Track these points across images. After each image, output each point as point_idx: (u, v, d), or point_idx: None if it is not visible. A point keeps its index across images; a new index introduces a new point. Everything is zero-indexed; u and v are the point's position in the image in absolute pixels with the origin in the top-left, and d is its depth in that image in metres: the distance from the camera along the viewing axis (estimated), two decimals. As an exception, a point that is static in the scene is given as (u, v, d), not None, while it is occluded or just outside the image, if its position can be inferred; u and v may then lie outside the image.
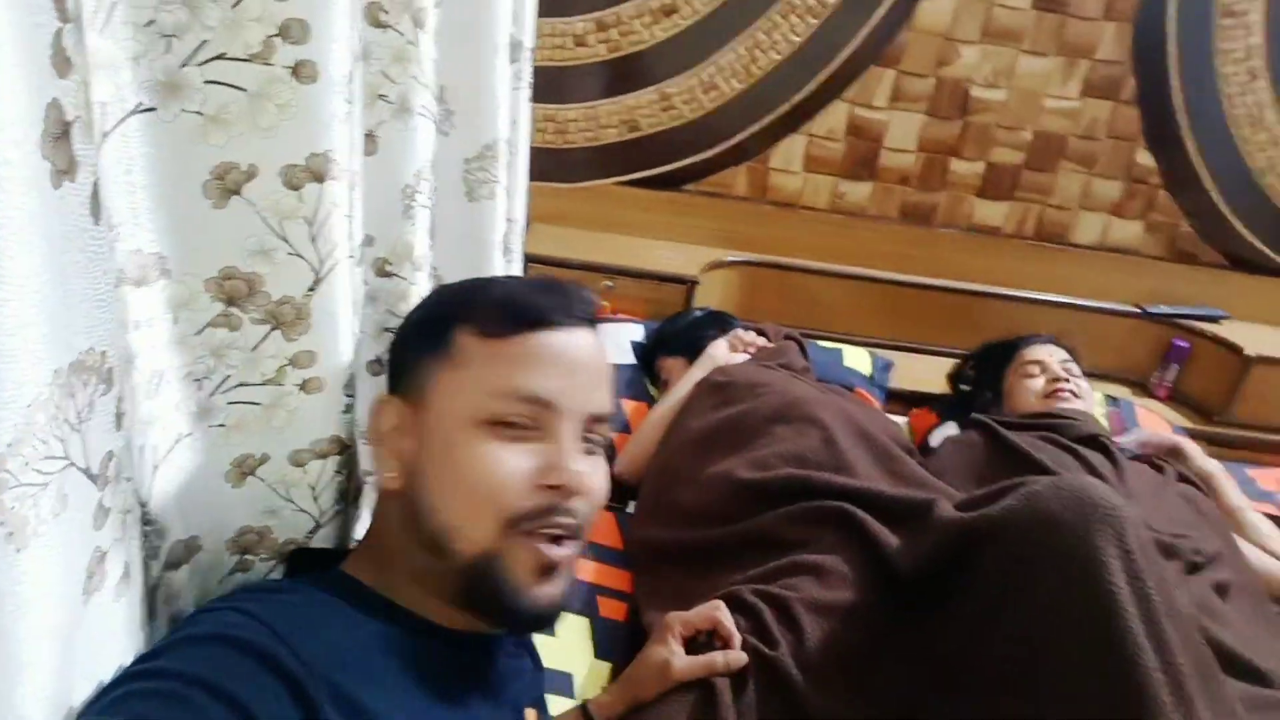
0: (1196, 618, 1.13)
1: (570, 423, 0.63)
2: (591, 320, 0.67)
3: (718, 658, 0.94)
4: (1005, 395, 1.83)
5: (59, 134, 0.37)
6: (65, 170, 0.37)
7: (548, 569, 0.62)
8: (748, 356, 1.73)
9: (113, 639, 0.52)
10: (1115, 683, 0.79)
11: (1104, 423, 1.89)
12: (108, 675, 0.51)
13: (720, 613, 0.99)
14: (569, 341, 0.64)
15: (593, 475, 0.65)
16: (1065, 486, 0.93)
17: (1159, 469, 1.56)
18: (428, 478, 0.63)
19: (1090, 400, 1.76)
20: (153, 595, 0.64)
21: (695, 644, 1.00)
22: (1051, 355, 1.79)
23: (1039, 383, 1.76)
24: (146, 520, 0.61)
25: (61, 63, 0.36)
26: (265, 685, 0.50)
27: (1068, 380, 1.73)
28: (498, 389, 0.62)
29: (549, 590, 0.62)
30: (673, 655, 0.95)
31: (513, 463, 0.61)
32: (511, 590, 0.61)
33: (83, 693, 0.48)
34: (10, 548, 0.39)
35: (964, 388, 1.99)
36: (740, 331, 1.79)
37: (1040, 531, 0.90)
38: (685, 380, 1.66)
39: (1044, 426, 1.64)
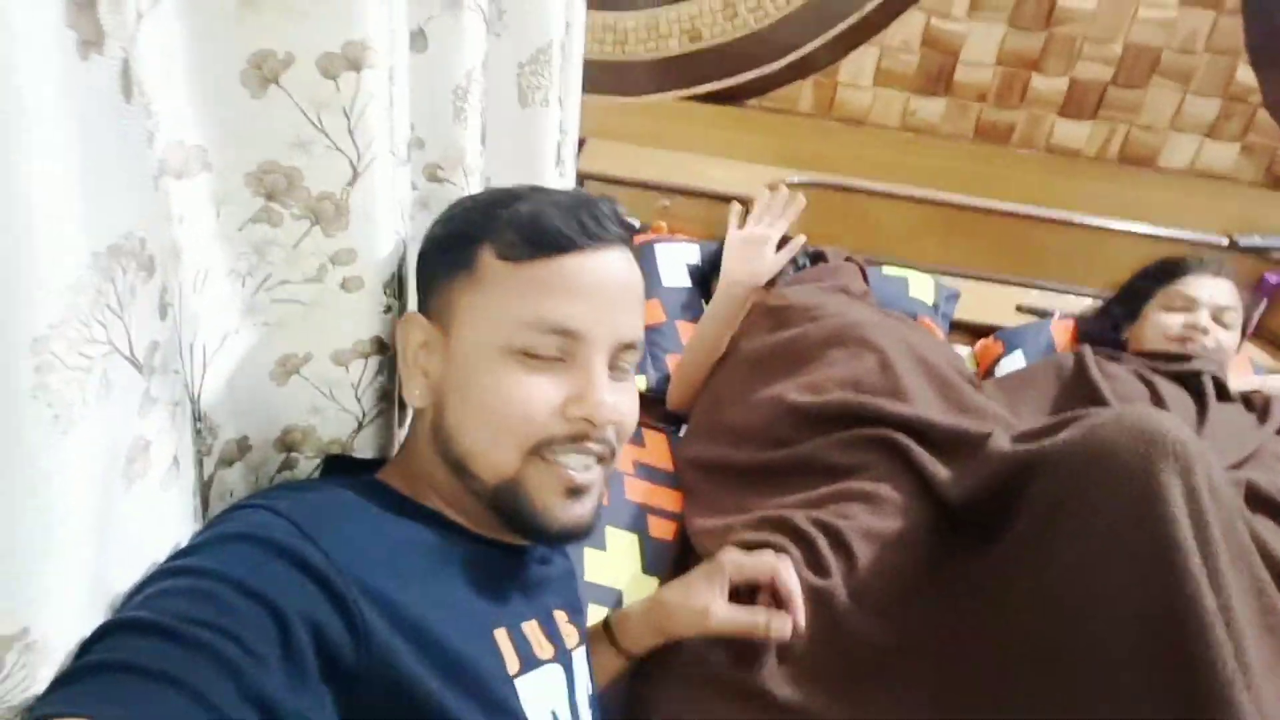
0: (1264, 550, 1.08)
1: (599, 352, 0.62)
2: (621, 239, 0.64)
3: (761, 618, 0.83)
4: (1140, 322, 1.67)
5: (85, 3, 0.35)
6: (93, 41, 0.36)
7: (574, 491, 0.63)
8: (766, 231, 1.50)
9: (162, 527, 0.53)
10: (1169, 625, 0.76)
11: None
12: (157, 562, 0.52)
13: (784, 567, 0.87)
14: (596, 266, 0.62)
15: (622, 402, 0.65)
16: (1129, 418, 0.89)
17: (1263, 417, 1.43)
18: (452, 402, 0.63)
19: (1227, 359, 1.58)
20: (206, 491, 0.65)
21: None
22: (1210, 297, 1.59)
23: (1176, 321, 1.58)
24: (198, 417, 0.62)
25: (85, -74, 0.35)
26: (295, 583, 0.50)
27: (1206, 332, 1.54)
28: (524, 319, 0.61)
29: (576, 510, 0.63)
30: (713, 603, 0.84)
31: (539, 392, 0.61)
32: (537, 510, 0.62)
33: (123, 577, 0.49)
34: (56, 430, 0.40)
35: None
36: (737, 207, 1.57)
37: (1098, 462, 0.87)
38: (712, 303, 1.54)
39: (1143, 355, 1.57)
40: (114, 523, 0.46)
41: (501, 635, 0.63)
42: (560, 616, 0.71)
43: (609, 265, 0.63)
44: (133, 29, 0.47)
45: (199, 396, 0.61)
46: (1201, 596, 0.75)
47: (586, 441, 0.62)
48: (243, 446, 0.68)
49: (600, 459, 0.64)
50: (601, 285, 0.62)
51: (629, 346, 0.65)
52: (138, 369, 0.45)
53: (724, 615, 0.83)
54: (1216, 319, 1.59)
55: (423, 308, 0.68)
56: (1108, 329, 1.74)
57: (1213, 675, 0.73)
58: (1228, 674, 0.72)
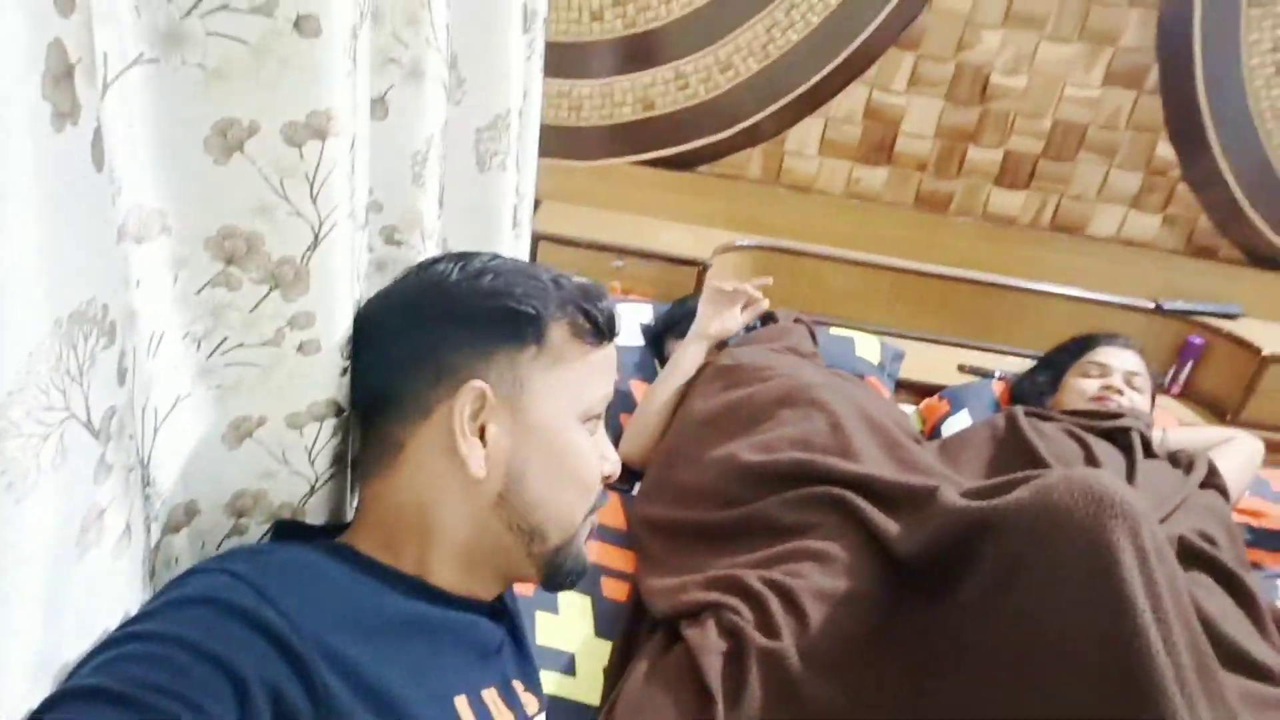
0: (1198, 610, 1.12)
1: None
2: None
3: None
4: (1060, 390, 1.82)
5: (61, 75, 0.36)
6: (67, 113, 0.37)
7: (590, 535, 0.73)
8: (741, 317, 1.63)
9: (114, 597, 0.51)
10: (1125, 677, 0.78)
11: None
12: (108, 632, 0.50)
13: None
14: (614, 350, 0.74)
15: None
16: (1077, 479, 0.91)
17: (1187, 471, 1.52)
18: (536, 475, 0.66)
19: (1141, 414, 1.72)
20: (153, 558, 0.64)
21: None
22: (1121, 363, 1.77)
23: (1092, 385, 1.74)
24: (147, 482, 0.61)
25: (64, 1, 0.35)
26: (252, 646, 0.50)
27: (1120, 393, 1.70)
28: (599, 395, 0.70)
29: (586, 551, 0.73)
30: None
31: (595, 455, 0.70)
32: (578, 559, 0.71)
33: (73, 648, 0.47)
34: (10, 498, 0.39)
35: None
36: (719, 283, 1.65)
37: (1050, 522, 0.89)
38: (676, 357, 1.64)
39: (1074, 414, 1.63)
40: (65, 594, 0.45)
41: (462, 702, 0.62)
42: (518, 685, 0.71)
43: None
44: (101, 96, 0.48)
45: (149, 461, 0.60)
46: (1155, 654, 0.77)
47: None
48: (190, 511, 0.66)
49: None
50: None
51: None
52: (94, 435, 0.45)
53: None
54: (1128, 383, 1.74)
55: (472, 374, 0.65)
56: (1033, 398, 1.85)
57: None
58: None
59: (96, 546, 0.47)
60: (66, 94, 0.36)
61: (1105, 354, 1.80)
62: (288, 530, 0.71)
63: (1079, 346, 1.87)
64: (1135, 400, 1.71)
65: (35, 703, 0.44)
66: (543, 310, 0.66)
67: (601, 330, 0.70)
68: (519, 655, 0.76)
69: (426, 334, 0.67)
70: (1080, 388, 1.75)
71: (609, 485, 1.48)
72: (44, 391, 0.39)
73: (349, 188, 0.64)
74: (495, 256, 0.72)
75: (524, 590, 1.11)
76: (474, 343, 0.65)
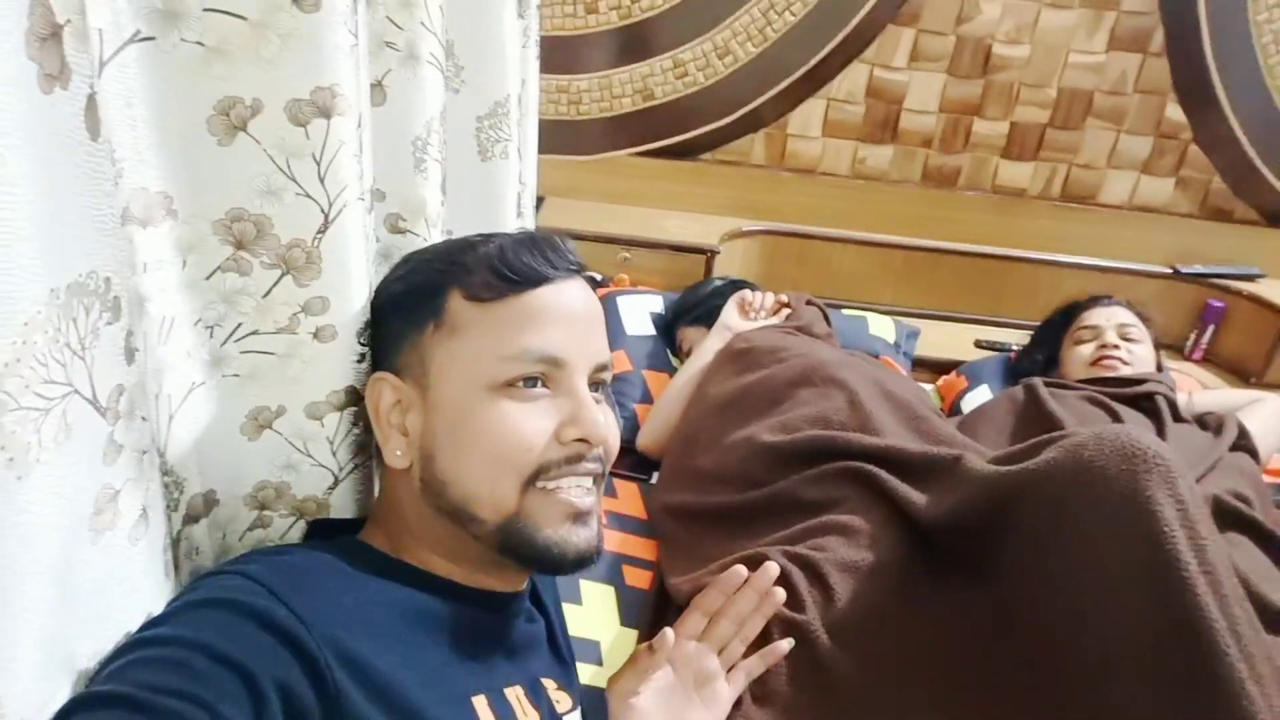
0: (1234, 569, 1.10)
1: (580, 375, 0.64)
2: (580, 269, 0.67)
3: None
4: (1061, 362, 1.80)
5: (47, 35, 0.35)
6: (55, 75, 0.36)
7: (578, 516, 0.63)
8: (764, 321, 1.70)
9: (131, 583, 0.51)
10: (1179, 634, 0.76)
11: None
12: (126, 621, 0.50)
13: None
14: (563, 296, 0.65)
15: (609, 423, 0.66)
16: (1108, 436, 0.90)
17: (1216, 433, 1.50)
18: (442, 452, 0.63)
19: (1146, 366, 1.70)
20: (175, 548, 0.63)
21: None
22: (1109, 320, 1.75)
23: (1088, 349, 1.72)
24: (165, 470, 0.60)
25: (47, -40, 0.35)
26: (266, 646, 0.50)
27: (1117, 347, 1.69)
28: (507, 353, 0.62)
29: (584, 535, 0.64)
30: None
31: (535, 422, 0.62)
32: (551, 542, 0.62)
33: (87, 635, 0.47)
34: (11, 474, 0.38)
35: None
36: (746, 294, 1.75)
37: (1085, 481, 0.87)
38: (702, 349, 1.65)
39: (1094, 383, 1.61)
40: (77, 576, 0.44)
41: (481, 703, 0.61)
42: (549, 684, 0.69)
43: (574, 294, 0.66)
44: (98, 73, 0.47)
45: (165, 449, 0.59)
46: (1205, 606, 0.75)
47: (582, 462, 0.63)
48: (209, 501, 0.66)
49: (595, 481, 0.66)
50: (573, 313, 0.65)
51: (603, 367, 0.67)
52: (100, 413, 0.44)
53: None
54: (1123, 336, 1.72)
55: (389, 366, 0.67)
56: (1036, 373, 1.82)
57: (1228, 685, 0.72)
58: (1240, 681, 0.72)
59: (111, 530, 0.47)
60: (54, 55, 0.36)
61: (1092, 316, 1.79)
62: (320, 528, 0.71)
63: (1065, 317, 1.86)
64: (1135, 350, 1.70)
65: (46, 694, 0.44)
66: (436, 282, 0.65)
67: (511, 279, 0.63)
68: (555, 653, 0.75)
69: (372, 333, 0.69)
70: (1079, 355, 1.74)
71: (617, 473, 1.50)
72: (43, 364, 0.38)
73: (358, 168, 0.63)
74: (467, 236, 0.71)
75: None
76: (389, 335, 0.67)
